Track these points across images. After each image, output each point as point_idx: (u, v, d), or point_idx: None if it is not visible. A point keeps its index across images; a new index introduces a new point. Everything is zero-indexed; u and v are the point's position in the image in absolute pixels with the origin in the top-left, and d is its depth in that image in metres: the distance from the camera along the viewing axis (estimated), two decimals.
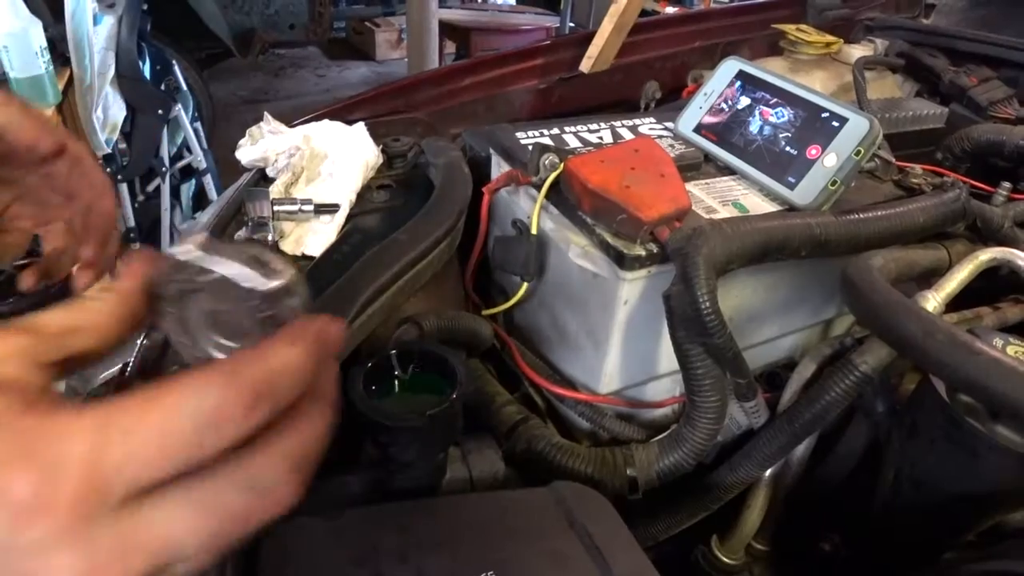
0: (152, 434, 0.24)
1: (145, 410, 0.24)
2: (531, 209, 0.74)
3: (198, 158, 2.64)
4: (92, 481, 0.23)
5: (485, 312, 0.82)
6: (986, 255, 0.68)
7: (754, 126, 0.80)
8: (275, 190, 0.86)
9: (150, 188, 2.51)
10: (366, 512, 0.51)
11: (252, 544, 0.47)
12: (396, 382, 0.61)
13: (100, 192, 0.52)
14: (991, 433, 0.57)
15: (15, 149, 0.47)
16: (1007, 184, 0.85)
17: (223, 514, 0.25)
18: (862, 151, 0.71)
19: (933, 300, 0.64)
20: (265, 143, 0.91)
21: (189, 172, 2.71)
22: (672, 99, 1.22)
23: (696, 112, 0.86)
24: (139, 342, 0.65)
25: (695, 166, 0.82)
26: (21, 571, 0.22)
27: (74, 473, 0.22)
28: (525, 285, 0.77)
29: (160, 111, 2.41)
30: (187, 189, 2.77)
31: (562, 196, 0.72)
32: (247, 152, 0.91)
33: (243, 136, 0.93)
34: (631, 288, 0.67)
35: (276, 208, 0.81)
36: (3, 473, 0.22)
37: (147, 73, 2.39)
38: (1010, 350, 0.58)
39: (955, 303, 0.67)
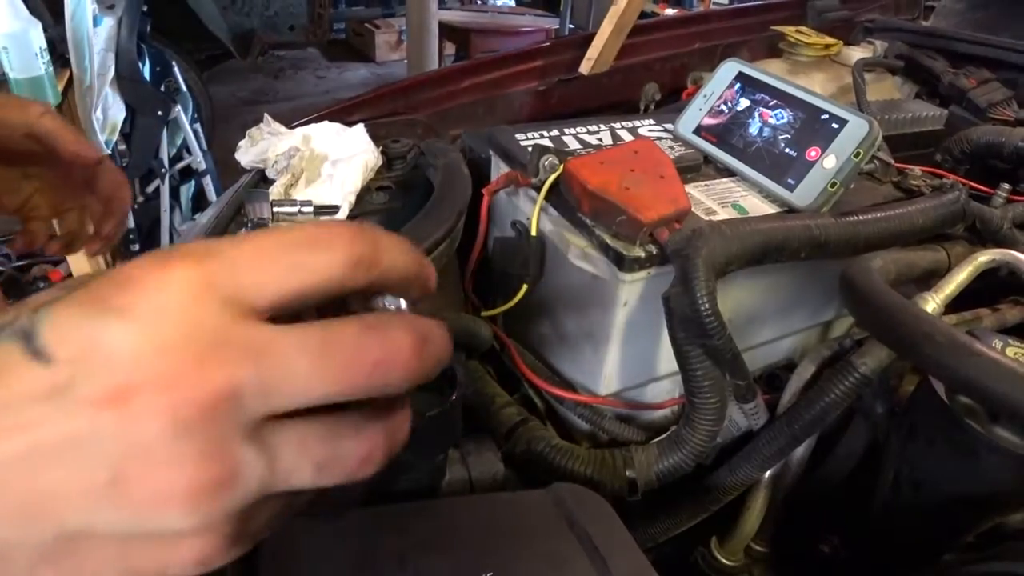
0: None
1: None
2: (531, 210, 0.74)
3: (198, 159, 2.64)
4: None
5: (484, 313, 0.82)
6: (985, 256, 0.68)
7: (754, 128, 0.80)
8: (275, 191, 0.86)
9: (149, 189, 2.51)
10: (365, 514, 0.51)
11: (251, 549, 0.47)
12: None
13: (120, 185, 0.62)
14: (990, 434, 0.57)
15: (60, 155, 0.57)
16: (1006, 186, 0.85)
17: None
18: (861, 153, 0.72)
19: (932, 302, 0.64)
20: (265, 144, 0.91)
21: (188, 173, 2.71)
22: (671, 101, 1.22)
23: (696, 114, 0.86)
24: None
25: (695, 168, 0.82)
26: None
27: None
28: (524, 287, 0.77)
29: (160, 112, 2.41)
30: (186, 190, 2.77)
31: (562, 198, 0.72)
32: (247, 153, 0.91)
33: (243, 137, 0.93)
34: (630, 289, 0.67)
35: (276, 210, 0.81)
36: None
37: (147, 74, 2.39)
38: (1009, 352, 0.58)
39: (954, 305, 0.67)
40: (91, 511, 0.23)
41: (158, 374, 0.23)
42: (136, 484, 0.22)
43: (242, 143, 0.92)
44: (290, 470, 0.25)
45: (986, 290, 0.72)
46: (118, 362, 0.23)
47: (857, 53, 1.23)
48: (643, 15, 1.29)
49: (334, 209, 0.83)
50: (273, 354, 0.24)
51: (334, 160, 0.89)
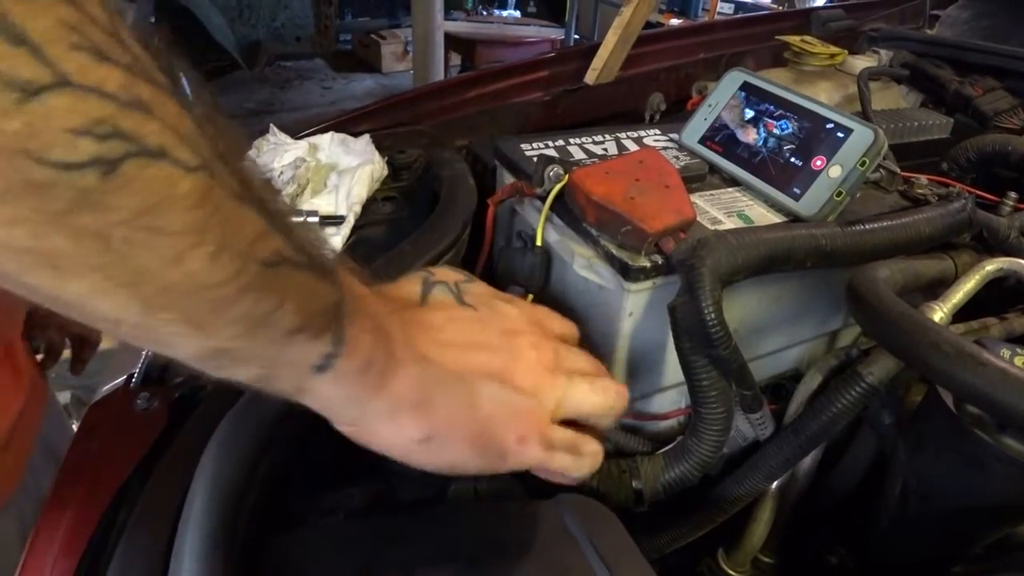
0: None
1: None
2: (536, 221, 0.74)
3: None
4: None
5: None
6: (992, 265, 0.68)
7: (759, 137, 0.80)
8: None
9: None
10: (369, 524, 0.51)
11: (253, 559, 0.47)
12: None
13: None
14: (999, 444, 0.56)
15: None
16: (1013, 194, 0.85)
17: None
18: (867, 162, 0.71)
19: (939, 311, 0.64)
20: (271, 155, 0.92)
21: None
22: (677, 111, 1.22)
23: (701, 123, 0.86)
24: (145, 352, 0.66)
25: (700, 177, 0.82)
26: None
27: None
28: (530, 297, 0.77)
29: None
30: None
31: (567, 208, 0.72)
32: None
33: (249, 148, 0.93)
34: (636, 300, 0.67)
35: None
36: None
37: None
38: (1018, 361, 0.58)
39: (961, 314, 0.67)
40: (490, 381, 0.43)
41: (530, 329, 0.48)
42: (514, 374, 0.44)
43: (248, 153, 0.92)
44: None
45: (993, 299, 0.72)
46: (510, 318, 0.48)
47: (862, 62, 1.23)
48: (648, 25, 1.29)
49: (339, 220, 0.84)
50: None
51: (340, 171, 0.90)
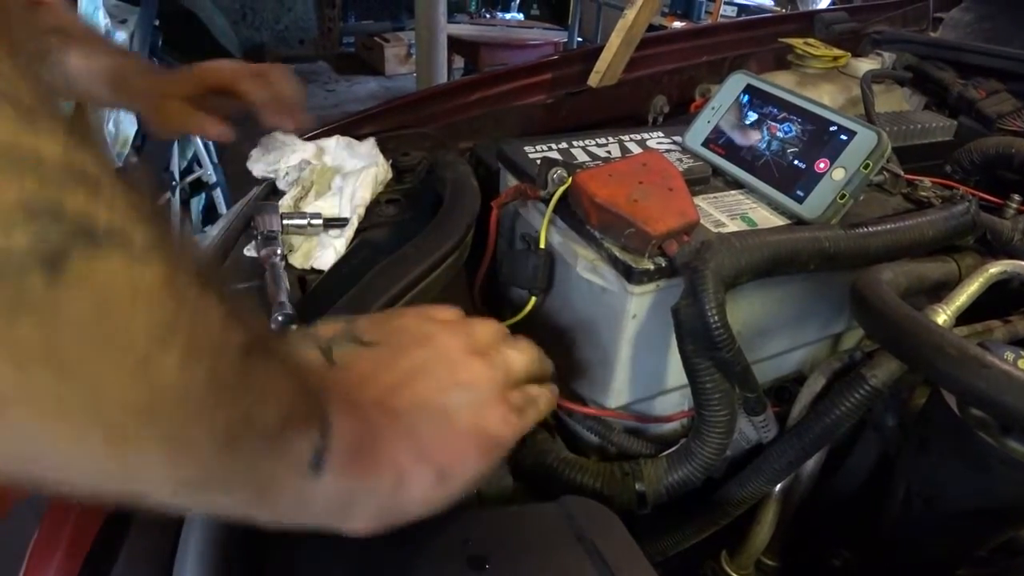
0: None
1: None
2: (539, 223, 0.74)
3: (208, 172, 2.66)
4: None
5: None
6: (996, 268, 0.68)
7: (762, 140, 0.80)
8: (285, 204, 0.86)
9: (160, 202, 2.53)
10: None
11: (257, 560, 0.47)
12: None
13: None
14: (1003, 447, 0.56)
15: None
16: (1017, 196, 0.85)
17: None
18: (870, 164, 0.71)
19: (943, 313, 0.64)
20: (276, 155, 0.92)
21: (199, 186, 2.73)
22: (680, 113, 1.22)
23: (704, 126, 0.87)
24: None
25: (703, 180, 0.82)
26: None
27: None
28: (533, 299, 0.77)
29: None
30: (197, 203, 2.79)
31: (570, 210, 0.72)
32: (258, 163, 0.92)
33: (253, 150, 0.93)
34: (639, 302, 0.67)
35: (285, 222, 0.81)
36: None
37: None
38: (1021, 363, 0.58)
39: (965, 316, 0.67)
40: (446, 393, 0.44)
41: (431, 329, 0.48)
42: (456, 375, 0.45)
43: (254, 153, 0.93)
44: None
45: (997, 302, 0.72)
46: (411, 330, 0.48)
47: (865, 65, 1.23)
48: (651, 28, 1.29)
49: (343, 222, 0.84)
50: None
51: (344, 173, 0.90)
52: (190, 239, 0.29)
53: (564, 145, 0.85)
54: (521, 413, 0.47)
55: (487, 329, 0.51)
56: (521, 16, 6.33)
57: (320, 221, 0.83)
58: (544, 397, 0.52)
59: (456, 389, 0.44)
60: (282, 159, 0.91)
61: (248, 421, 0.28)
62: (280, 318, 0.67)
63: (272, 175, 0.91)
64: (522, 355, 0.51)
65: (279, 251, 0.77)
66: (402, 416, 0.41)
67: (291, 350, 0.38)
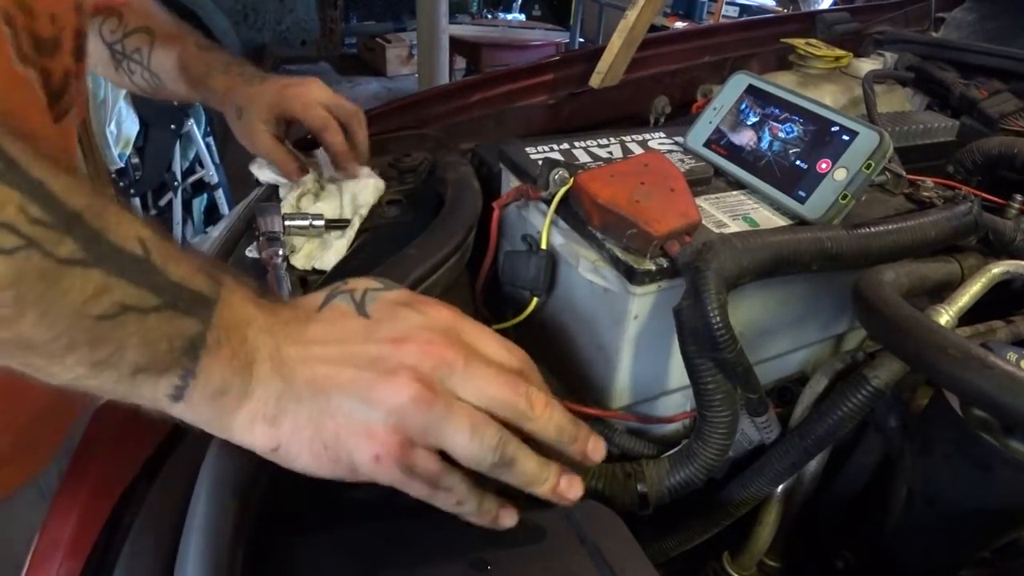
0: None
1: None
2: (541, 224, 0.74)
3: (210, 173, 2.66)
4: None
5: (495, 327, 0.82)
6: (999, 268, 0.68)
7: (764, 140, 0.80)
8: (287, 204, 0.86)
9: (162, 202, 2.53)
10: (374, 528, 0.51)
11: (259, 561, 0.47)
12: None
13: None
14: (1005, 448, 0.56)
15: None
16: (1019, 197, 0.85)
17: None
18: (872, 165, 0.71)
19: (946, 314, 0.64)
20: (271, 172, 0.92)
21: (201, 186, 2.73)
22: (682, 114, 1.22)
23: (706, 127, 0.86)
24: None
25: (705, 180, 0.82)
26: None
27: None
28: (535, 300, 0.77)
29: (173, 126, 2.43)
30: (199, 203, 2.80)
31: (572, 211, 0.72)
32: (264, 171, 0.92)
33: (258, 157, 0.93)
34: (641, 303, 0.67)
35: (287, 223, 0.81)
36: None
37: None
38: None
39: (968, 317, 0.67)
40: (349, 397, 0.42)
41: (427, 339, 0.43)
42: (380, 390, 0.42)
43: (259, 159, 0.93)
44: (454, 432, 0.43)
45: (1000, 302, 0.71)
46: (406, 327, 0.44)
47: (867, 65, 1.23)
48: (653, 29, 1.29)
49: (345, 223, 0.84)
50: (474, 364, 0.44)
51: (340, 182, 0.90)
52: (114, 218, 0.37)
53: (566, 146, 0.85)
54: (408, 475, 0.43)
55: (486, 384, 0.44)
56: (523, 17, 6.33)
57: (322, 222, 0.83)
58: (449, 493, 0.45)
59: (358, 400, 0.42)
60: None
61: (105, 363, 0.37)
62: None
63: (276, 181, 0.92)
64: (466, 442, 0.42)
65: (281, 252, 0.77)
66: (294, 386, 0.42)
67: (203, 301, 0.40)
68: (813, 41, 1.27)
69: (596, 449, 0.48)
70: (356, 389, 0.42)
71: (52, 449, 0.78)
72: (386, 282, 0.48)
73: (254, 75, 0.90)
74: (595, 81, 1.26)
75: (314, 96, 0.89)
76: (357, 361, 0.42)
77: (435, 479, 0.44)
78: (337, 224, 0.84)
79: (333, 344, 0.43)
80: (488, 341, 0.47)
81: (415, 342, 0.43)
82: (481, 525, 0.47)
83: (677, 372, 0.69)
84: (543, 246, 0.74)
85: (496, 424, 0.43)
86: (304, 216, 0.83)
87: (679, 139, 0.90)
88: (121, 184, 2.37)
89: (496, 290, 0.88)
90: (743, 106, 0.84)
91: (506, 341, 0.48)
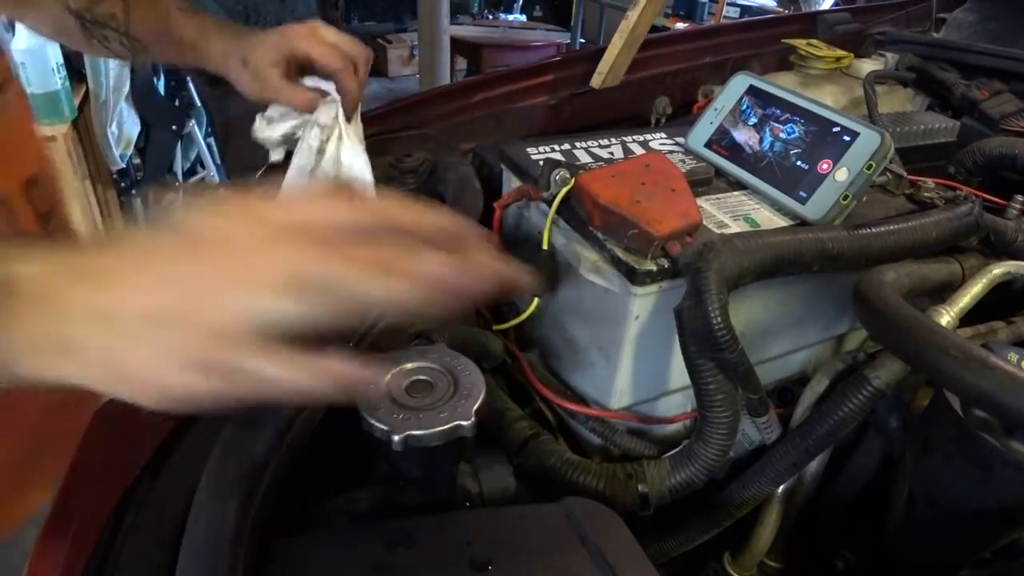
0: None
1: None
2: (542, 224, 0.74)
3: (211, 173, 2.66)
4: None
5: (496, 327, 0.82)
6: (1000, 269, 0.68)
7: (765, 141, 0.80)
8: (305, 153, 0.83)
9: (163, 203, 2.53)
10: (375, 528, 0.51)
11: (261, 560, 0.47)
12: None
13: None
14: (1006, 449, 0.56)
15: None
16: (1020, 197, 0.85)
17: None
18: (873, 165, 0.71)
19: (947, 314, 0.64)
20: (292, 122, 0.86)
21: (203, 187, 2.73)
22: (683, 114, 1.22)
23: (707, 127, 0.87)
24: None
25: (706, 181, 0.82)
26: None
27: None
28: (536, 300, 0.77)
29: (174, 126, 2.43)
30: None
31: (573, 211, 0.72)
32: (271, 130, 0.87)
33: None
34: (642, 303, 0.67)
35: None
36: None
37: (161, 89, 2.41)
38: None
39: (968, 318, 0.67)
40: (139, 319, 0.38)
41: (230, 236, 0.39)
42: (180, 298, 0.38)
43: (258, 124, 0.87)
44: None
45: (1001, 303, 0.71)
46: (208, 229, 0.40)
47: (868, 66, 1.23)
48: (654, 29, 1.29)
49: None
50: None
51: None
52: None
53: (567, 146, 0.85)
54: (227, 379, 0.38)
55: (322, 259, 0.38)
56: (524, 17, 6.33)
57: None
58: (283, 373, 0.38)
59: (148, 320, 0.38)
60: (297, 127, 0.86)
61: None
62: None
63: (292, 129, 0.86)
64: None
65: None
66: (70, 319, 0.38)
67: None
68: (814, 42, 1.27)
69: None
70: (150, 310, 0.38)
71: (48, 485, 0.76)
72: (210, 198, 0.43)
73: (250, 31, 0.87)
74: (596, 82, 1.26)
75: (324, 36, 0.85)
76: (143, 284, 0.39)
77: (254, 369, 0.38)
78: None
79: (122, 274, 0.39)
80: (312, 206, 0.42)
81: (215, 244, 0.40)
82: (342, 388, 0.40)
83: (678, 372, 0.69)
84: (544, 247, 0.74)
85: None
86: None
87: (680, 140, 0.90)
88: (123, 184, 2.37)
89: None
90: (744, 107, 0.84)
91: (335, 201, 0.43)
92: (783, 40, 1.27)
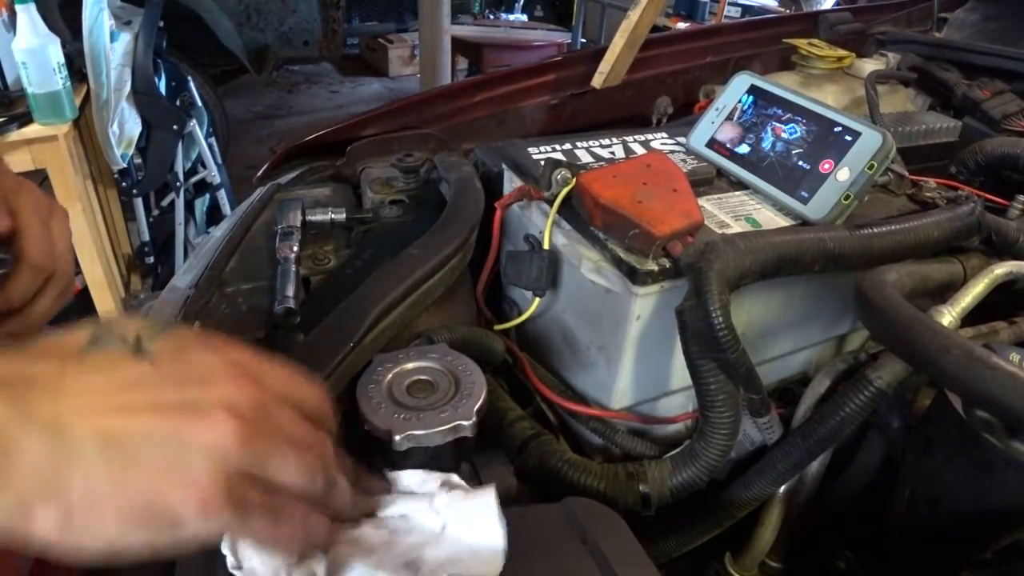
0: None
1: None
2: (543, 224, 0.74)
3: (212, 173, 2.66)
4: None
5: (497, 327, 0.82)
6: (1001, 269, 0.68)
7: (767, 141, 0.80)
8: None
9: (164, 203, 2.53)
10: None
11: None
12: None
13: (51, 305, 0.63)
14: (1008, 449, 0.56)
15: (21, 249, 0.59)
16: (1022, 197, 0.85)
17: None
18: (875, 165, 0.71)
19: (948, 315, 0.64)
20: None
21: (203, 187, 2.73)
22: (684, 114, 1.22)
23: (708, 127, 0.86)
24: None
25: (707, 181, 0.82)
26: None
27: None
28: (537, 300, 0.77)
29: (175, 126, 2.43)
30: (201, 204, 2.79)
31: (574, 211, 0.72)
32: None
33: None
34: (643, 303, 0.67)
35: (309, 219, 0.82)
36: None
37: (163, 89, 2.41)
38: None
39: (970, 318, 0.66)
40: (155, 441, 0.36)
41: (232, 381, 0.39)
42: (193, 428, 0.36)
43: None
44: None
45: (1002, 303, 0.71)
46: (204, 368, 0.39)
47: (870, 65, 1.23)
48: (655, 29, 1.29)
49: (369, 219, 0.84)
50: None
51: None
52: None
53: (568, 146, 0.85)
54: (242, 511, 0.37)
55: (295, 426, 0.41)
56: (525, 17, 6.32)
57: (343, 216, 0.84)
58: (290, 523, 0.40)
59: (170, 442, 0.36)
60: None
61: None
62: (280, 309, 0.70)
63: None
64: (295, 467, 0.40)
65: (295, 247, 0.78)
66: (72, 441, 0.34)
67: None
68: (815, 41, 1.27)
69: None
70: (163, 435, 0.36)
71: None
72: (157, 321, 0.42)
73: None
74: (597, 81, 1.26)
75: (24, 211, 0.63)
76: (155, 407, 0.37)
77: (275, 508, 0.39)
78: (360, 220, 0.85)
79: (116, 393, 0.37)
80: (279, 376, 0.43)
81: (223, 379, 0.39)
82: (319, 546, 0.44)
83: (679, 373, 0.69)
84: (545, 246, 0.74)
85: (319, 447, 0.42)
86: (324, 210, 0.84)
87: (681, 139, 0.89)
88: (124, 184, 2.37)
89: (498, 290, 0.88)
90: (746, 106, 0.84)
91: (299, 375, 0.44)
92: (784, 40, 1.27)
